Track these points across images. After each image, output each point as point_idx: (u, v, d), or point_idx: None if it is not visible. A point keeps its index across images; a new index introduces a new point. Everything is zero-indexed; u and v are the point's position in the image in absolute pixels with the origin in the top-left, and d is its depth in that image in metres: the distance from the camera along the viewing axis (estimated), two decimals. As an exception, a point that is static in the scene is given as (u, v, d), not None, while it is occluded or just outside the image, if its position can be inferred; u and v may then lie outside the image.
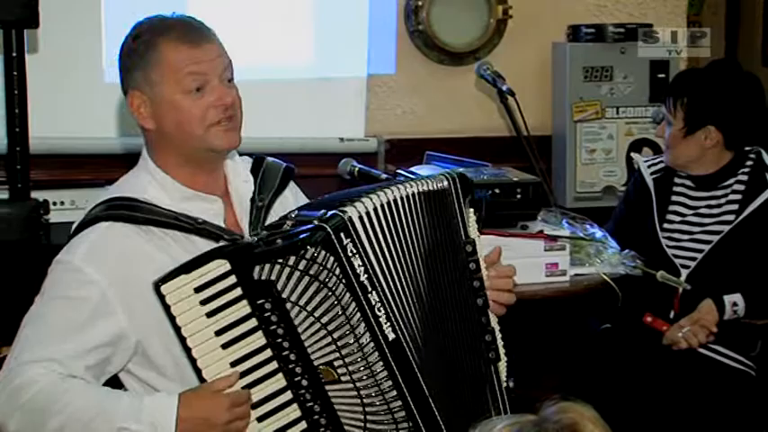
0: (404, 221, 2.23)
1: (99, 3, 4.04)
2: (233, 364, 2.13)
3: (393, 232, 2.20)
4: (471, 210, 2.34)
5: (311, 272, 2.10)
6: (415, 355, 2.19)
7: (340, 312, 2.13)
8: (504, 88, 3.60)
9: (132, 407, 2.12)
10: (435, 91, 4.47)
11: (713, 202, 3.45)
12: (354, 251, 2.12)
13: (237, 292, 2.11)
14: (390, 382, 2.16)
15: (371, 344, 2.14)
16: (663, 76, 4.44)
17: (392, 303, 2.17)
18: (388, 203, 2.21)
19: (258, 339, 2.14)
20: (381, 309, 2.15)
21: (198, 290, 2.09)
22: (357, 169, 3.55)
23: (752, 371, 3.40)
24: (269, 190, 2.42)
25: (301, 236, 2.11)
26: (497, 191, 3.29)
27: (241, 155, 2.48)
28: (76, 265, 2.21)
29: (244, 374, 2.14)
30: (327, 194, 2.35)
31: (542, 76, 4.52)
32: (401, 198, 2.23)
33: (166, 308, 2.08)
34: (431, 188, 2.28)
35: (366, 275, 2.13)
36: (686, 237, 3.45)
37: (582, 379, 3.41)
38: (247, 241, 2.20)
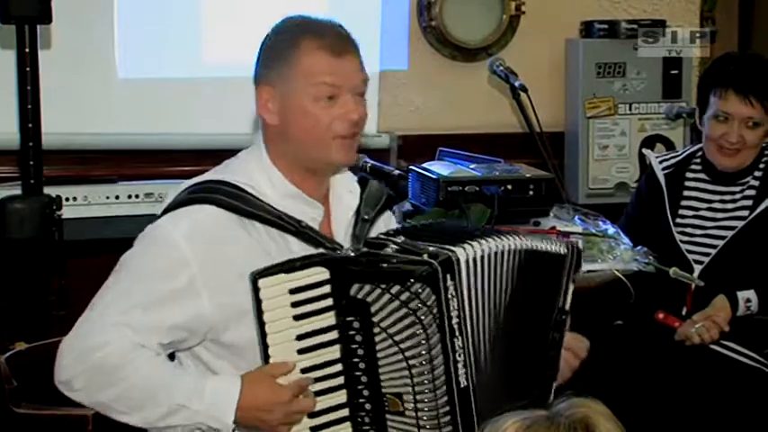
0: (505, 273, 2.22)
1: (112, -1, 4.05)
2: (303, 371, 2.14)
3: (491, 282, 2.20)
4: (572, 285, 2.34)
5: (411, 305, 2.10)
6: (479, 406, 2.17)
7: (425, 351, 2.12)
8: (516, 84, 3.60)
9: (196, 386, 2.15)
10: (448, 87, 4.47)
11: (728, 198, 3.44)
12: (454, 294, 2.12)
13: (329, 302, 2.12)
14: (450, 428, 2.15)
15: (444, 387, 2.14)
16: (676, 72, 4.44)
17: (471, 351, 2.17)
18: (497, 254, 2.20)
19: (333, 352, 2.14)
20: (461, 355, 2.14)
21: (292, 291, 2.10)
22: (369, 165, 3.55)
23: (765, 367, 3.38)
24: (373, 206, 2.41)
25: (408, 265, 2.10)
26: (510, 187, 3.29)
27: None
28: (175, 240, 2.20)
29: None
30: (434, 222, 2.33)
31: (555, 73, 4.52)
32: (511, 251, 2.22)
33: (258, 301, 2.09)
34: (549, 249, 2.28)
35: (457, 320, 2.13)
36: (699, 231, 3.44)
37: (594, 375, 3.40)
38: (349, 254, 2.18)
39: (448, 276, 2.10)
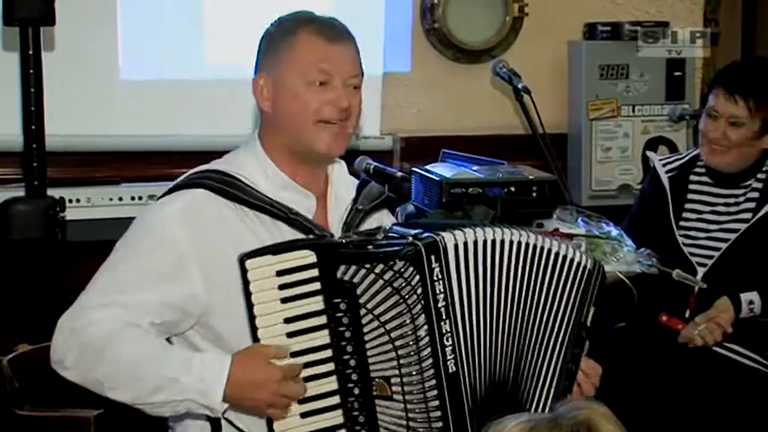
0: (505, 264, 2.21)
1: (115, 1, 4.05)
2: (293, 355, 2.13)
3: (487, 270, 2.19)
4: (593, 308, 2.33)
5: (395, 284, 2.11)
6: (470, 395, 2.17)
7: (410, 332, 2.13)
8: (519, 86, 3.59)
9: (185, 359, 2.16)
10: (451, 89, 4.47)
11: (731, 200, 3.44)
12: (439, 276, 2.13)
13: (316, 285, 2.13)
14: (439, 413, 2.14)
15: (431, 370, 2.14)
16: (679, 74, 4.44)
17: (461, 338, 2.16)
18: (494, 242, 2.20)
19: (323, 337, 2.15)
20: (449, 339, 2.14)
21: (280, 273, 2.11)
22: (373, 167, 3.55)
23: (767, 369, 3.39)
24: (370, 200, 2.44)
25: (393, 247, 2.12)
26: (513, 189, 3.28)
27: None
28: (164, 221, 2.25)
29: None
30: (433, 220, 2.32)
31: (558, 74, 4.52)
32: (512, 242, 2.21)
33: (246, 283, 2.10)
34: (567, 255, 2.27)
35: (443, 303, 2.14)
36: (702, 234, 3.44)
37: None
38: (338, 240, 2.22)
39: (432, 258, 2.11)
